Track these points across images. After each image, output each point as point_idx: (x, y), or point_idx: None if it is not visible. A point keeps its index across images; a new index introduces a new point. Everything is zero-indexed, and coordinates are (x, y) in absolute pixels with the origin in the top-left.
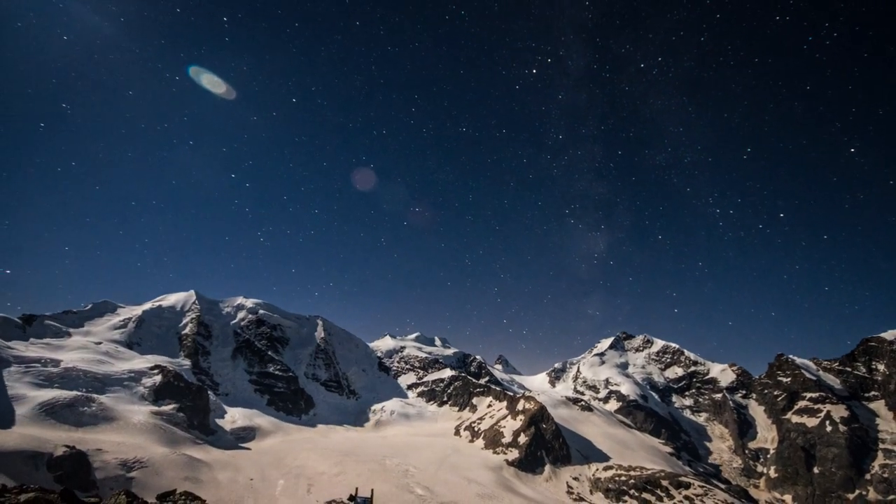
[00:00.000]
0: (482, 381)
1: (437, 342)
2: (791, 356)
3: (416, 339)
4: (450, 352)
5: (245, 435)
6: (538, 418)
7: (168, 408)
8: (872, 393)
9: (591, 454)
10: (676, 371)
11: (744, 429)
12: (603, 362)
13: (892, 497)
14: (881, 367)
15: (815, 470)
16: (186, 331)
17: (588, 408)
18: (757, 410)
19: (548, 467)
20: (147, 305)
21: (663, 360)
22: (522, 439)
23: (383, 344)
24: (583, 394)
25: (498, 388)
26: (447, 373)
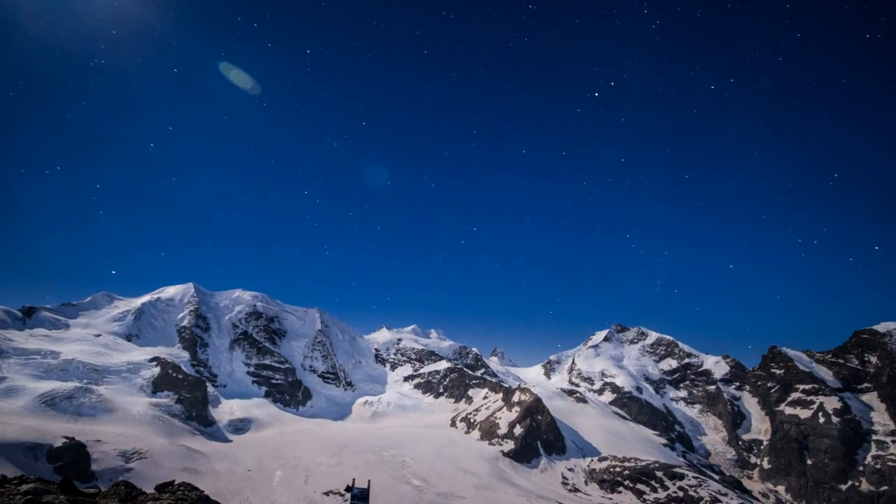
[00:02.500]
0: (478, 373)
1: (434, 334)
2: (784, 348)
3: (413, 332)
4: (446, 344)
5: (243, 426)
6: (533, 410)
7: (166, 399)
8: (865, 385)
9: (586, 446)
10: (670, 363)
11: (737, 420)
12: (598, 354)
13: (884, 488)
14: (874, 360)
15: (808, 461)
16: (185, 323)
17: (583, 399)
18: (750, 402)
19: (543, 458)
20: (145, 298)
21: (657, 352)
22: (518, 431)
23: (380, 336)
24: (578, 385)
25: (494, 380)
26: (443, 365)
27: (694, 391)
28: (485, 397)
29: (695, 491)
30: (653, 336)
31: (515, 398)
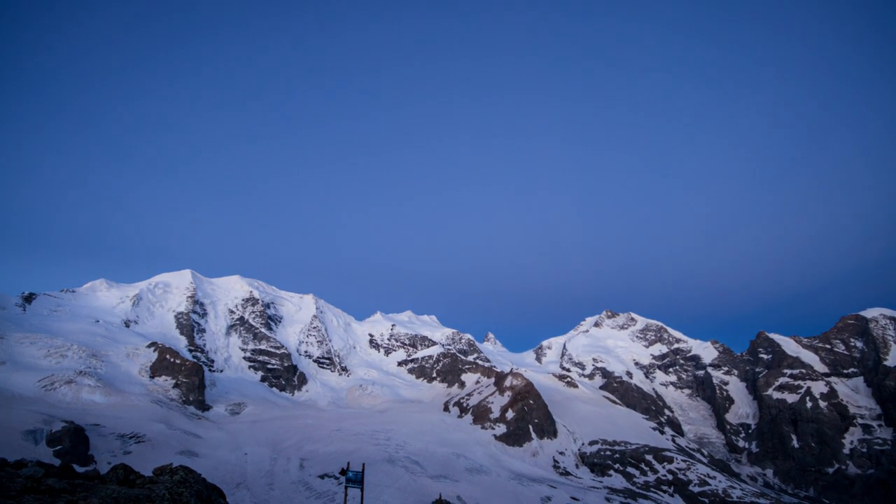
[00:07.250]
0: (471, 358)
1: (427, 319)
2: (772, 334)
3: (407, 317)
4: (439, 329)
5: (239, 410)
6: (525, 394)
7: (164, 384)
8: (851, 369)
9: (577, 429)
10: (660, 348)
11: (726, 404)
12: (588, 340)
13: (871, 471)
14: (860, 345)
15: (796, 445)
16: (182, 309)
17: (574, 384)
18: (738, 387)
19: (534, 442)
20: (143, 284)
21: (647, 337)
22: (510, 415)
23: (374, 321)
24: (569, 370)
25: (486, 365)
26: (436, 350)
27: (683, 376)
28: (477, 382)
29: (684, 474)
30: (642, 322)
31: (507, 383)
